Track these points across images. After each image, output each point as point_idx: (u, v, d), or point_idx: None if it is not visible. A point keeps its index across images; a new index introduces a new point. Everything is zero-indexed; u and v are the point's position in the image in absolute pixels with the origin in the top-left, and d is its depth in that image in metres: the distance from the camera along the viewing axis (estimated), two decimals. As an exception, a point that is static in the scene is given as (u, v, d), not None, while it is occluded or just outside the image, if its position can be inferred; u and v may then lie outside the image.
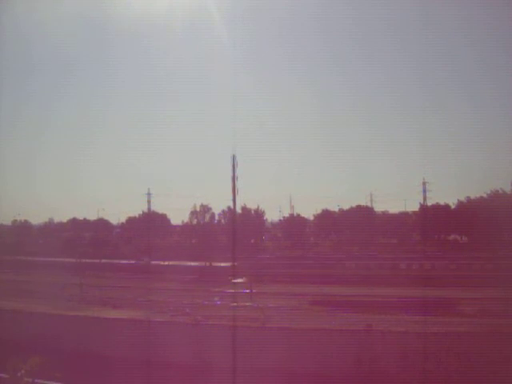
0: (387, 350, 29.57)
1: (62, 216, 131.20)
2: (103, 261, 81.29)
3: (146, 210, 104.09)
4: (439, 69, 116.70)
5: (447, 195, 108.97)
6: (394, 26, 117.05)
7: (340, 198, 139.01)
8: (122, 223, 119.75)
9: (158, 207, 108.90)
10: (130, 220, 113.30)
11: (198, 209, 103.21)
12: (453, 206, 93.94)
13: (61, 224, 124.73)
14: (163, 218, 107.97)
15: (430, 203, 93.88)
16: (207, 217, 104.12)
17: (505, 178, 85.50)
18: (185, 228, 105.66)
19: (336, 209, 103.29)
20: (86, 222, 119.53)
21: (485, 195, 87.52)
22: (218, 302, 43.48)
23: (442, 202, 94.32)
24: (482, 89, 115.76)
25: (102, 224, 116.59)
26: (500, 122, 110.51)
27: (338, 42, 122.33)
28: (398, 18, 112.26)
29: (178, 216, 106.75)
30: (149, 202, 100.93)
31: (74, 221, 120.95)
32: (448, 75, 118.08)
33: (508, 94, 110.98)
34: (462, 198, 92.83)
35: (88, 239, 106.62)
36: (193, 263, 74.46)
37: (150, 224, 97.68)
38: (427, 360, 29.00)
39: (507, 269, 55.26)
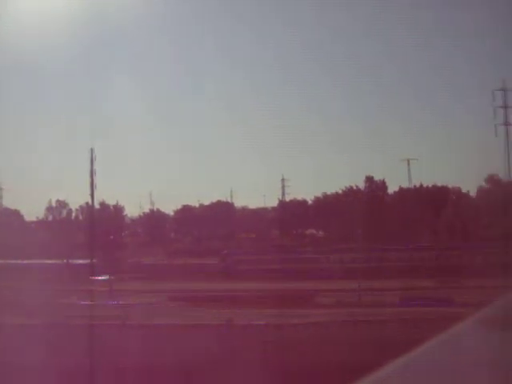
0: (246, 344, 29.99)
1: None
2: None
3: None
4: (305, 68, 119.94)
5: (305, 191, 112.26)
6: (266, 23, 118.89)
7: (201, 193, 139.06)
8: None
9: (10, 203, 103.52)
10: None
11: (53, 204, 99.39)
12: (310, 202, 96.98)
13: None
14: (16, 215, 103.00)
15: (288, 199, 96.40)
16: (64, 213, 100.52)
17: (359, 174, 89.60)
18: (40, 225, 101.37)
19: (197, 204, 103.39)
20: None
21: (340, 191, 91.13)
22: (77, 301, 42.23)
23: (299, 198, 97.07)
24: (345, 89, 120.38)
25: None
26: (355, 123, 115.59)
27: (194, 42, 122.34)
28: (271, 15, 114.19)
29: (32, 212, 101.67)
30: (0, 197, 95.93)
31: None
32: (313, 74, 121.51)
33: (364, 94, 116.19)
34: (319, 194, 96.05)
35: None
36: (49, 261, 71.65)
37: (2, 220, 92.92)
38: (285, 351, 29.68)
39: (362, 261, 57.99)
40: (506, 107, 77.03)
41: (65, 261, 70.92)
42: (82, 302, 41.47)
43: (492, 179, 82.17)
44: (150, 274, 61.75)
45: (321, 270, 57.63)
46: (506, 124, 77.38)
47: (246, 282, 52.36)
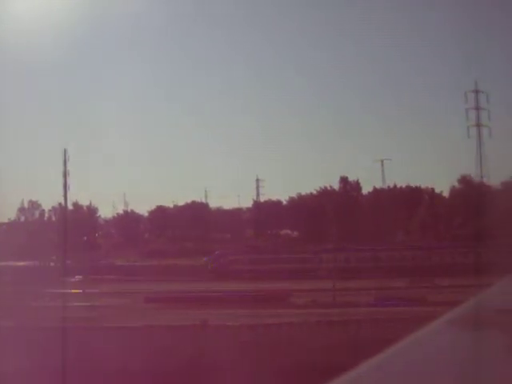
0: (221, 344, 29.84)
1: None
2: None
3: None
4: (281, 69, 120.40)
5: (279, 191, 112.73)
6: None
7: (175, 193, 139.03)
8: None
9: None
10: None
11: (26, 205, 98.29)
12: (284, 202, 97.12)
13: None
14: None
15: (263, 199, 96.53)
16: (36, 214, 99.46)
17: (333, 175, 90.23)
18: (12, 226, 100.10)
19: (171, 205, 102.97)
20: None
21: (314, 192, 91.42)
22: (50, 303, 41.69)
23: (274, 198, 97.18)
24: (319, 90, 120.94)
25: None
26: (329, 124, 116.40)
27: (173, 45, 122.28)
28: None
29: (4, 213, 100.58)
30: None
31: None
32: (288, 75, 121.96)
33: (339, 95, 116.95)
34: (294, 195, 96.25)
35: None
36: (21, 263, 70.77)
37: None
38: (254, 352, 29.58)
39: (336, 261, 58.14)
40: (478, 109, 77.99)
41: (37, 262, 70.15)
42: (53, 305, 40.87)
43: (464, 180, 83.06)
44: (126, 275, 61.31)
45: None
46: (478, 125, 78.36)
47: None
